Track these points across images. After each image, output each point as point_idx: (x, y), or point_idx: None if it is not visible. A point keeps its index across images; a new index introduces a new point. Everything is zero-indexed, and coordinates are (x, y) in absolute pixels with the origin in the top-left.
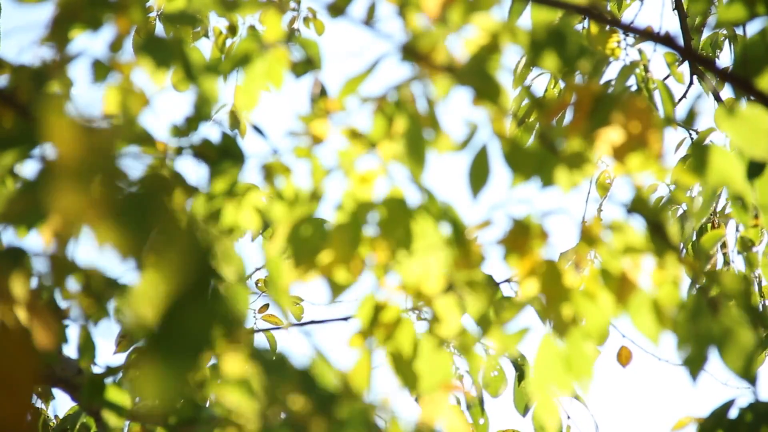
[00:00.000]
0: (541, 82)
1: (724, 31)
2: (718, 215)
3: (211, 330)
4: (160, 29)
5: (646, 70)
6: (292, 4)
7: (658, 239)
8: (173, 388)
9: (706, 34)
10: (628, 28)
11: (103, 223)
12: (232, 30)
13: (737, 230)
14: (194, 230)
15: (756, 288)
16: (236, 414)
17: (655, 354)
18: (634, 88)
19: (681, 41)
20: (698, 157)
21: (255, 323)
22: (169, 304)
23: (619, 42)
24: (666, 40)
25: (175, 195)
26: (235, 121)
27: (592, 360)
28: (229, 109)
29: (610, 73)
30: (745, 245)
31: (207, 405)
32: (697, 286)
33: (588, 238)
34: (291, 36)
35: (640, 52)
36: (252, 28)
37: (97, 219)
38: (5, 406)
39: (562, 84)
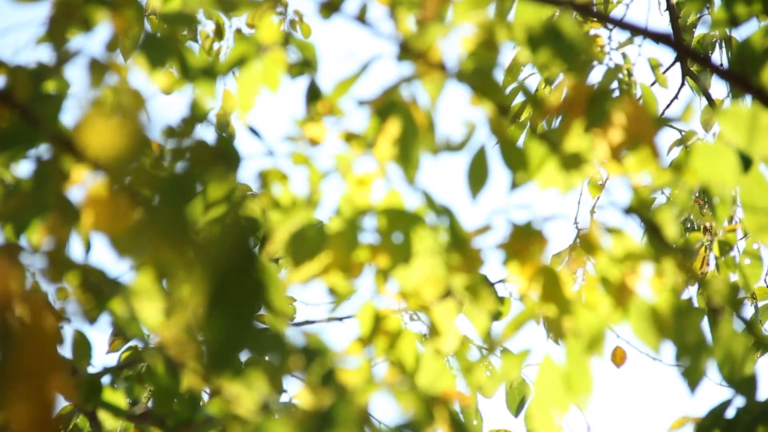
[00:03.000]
0: (533, 80)
1: (716, 32)
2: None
3: (260, 294)
4: (149, 29)
5: (630, 74)
6: (279, 8)
7: (656, 241)
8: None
9: (697, 34)
10: (623, 26)
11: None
12: (219, 33)
13: (715, 234)
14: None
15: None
16: (235, 404)
17: (650, 354)
18: (616, 93)
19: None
20: (683, 155)
21: None
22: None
23: (602, 46)
24: (662, 37)
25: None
26: (228, 122)
27: (592, 376)
28: (224, 110)
29: (593, 77)
30: (723, 249)
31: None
32: (697, 293)
33: (586, 244)
34: (288, 38)
35: (624, 56)
36: (238, 31)
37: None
38: (31, 405)
39: (555, 83)
